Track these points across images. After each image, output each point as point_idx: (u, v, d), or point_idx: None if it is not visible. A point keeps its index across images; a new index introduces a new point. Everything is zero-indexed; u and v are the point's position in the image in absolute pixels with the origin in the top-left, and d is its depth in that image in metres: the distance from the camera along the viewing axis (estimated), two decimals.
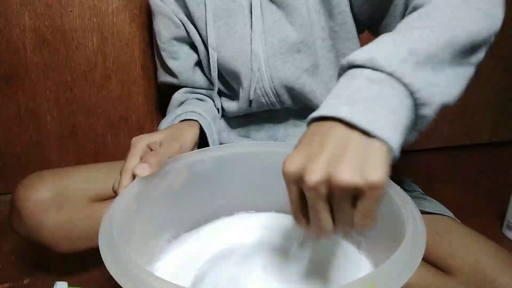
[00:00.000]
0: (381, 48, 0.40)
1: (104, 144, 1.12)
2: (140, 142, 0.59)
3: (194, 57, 0.81)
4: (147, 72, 1.07)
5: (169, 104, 0.83)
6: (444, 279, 0.63)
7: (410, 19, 0.45)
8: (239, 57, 0.74)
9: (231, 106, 0.81)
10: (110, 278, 0.39)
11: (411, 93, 0.39)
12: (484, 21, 0.47)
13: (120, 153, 1.14)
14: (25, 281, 0.84)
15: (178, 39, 0.79)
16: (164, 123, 0.76)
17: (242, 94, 0.76)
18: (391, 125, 0.36)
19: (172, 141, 0.62)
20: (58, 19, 0.99)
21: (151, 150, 0.60)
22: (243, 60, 0.74)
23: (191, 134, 0.69)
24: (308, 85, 0.74)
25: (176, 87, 0.84)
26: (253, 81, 0.74)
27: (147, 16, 1.02)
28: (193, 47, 0.80)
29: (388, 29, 0.64)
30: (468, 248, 0.63)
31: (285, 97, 0.75)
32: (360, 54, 0.40)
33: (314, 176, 0.34)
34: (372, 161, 0.34)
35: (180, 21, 0.77)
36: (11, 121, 1.05)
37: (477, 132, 1.42)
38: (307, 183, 0.35)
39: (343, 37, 0.72)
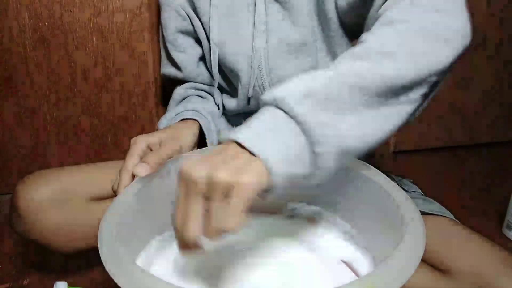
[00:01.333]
0: (287, 87, 0.43)
1: (104, 144, 1.12)
2: (140, 142, 0.59)
3: (198, 51, 0.82)
4: (147, 72, 1.07)
5: (171, 98, 0.84)
6: (443, 280, 0.63)
7: (344, 57, 0.47)
8: (240, 53, 0.74)
9: (230, 103, 0.81)
10: (110, 278, 0.39)
11: (303, 131, 0.41)
12: (413, 62, 0.46)
13: (120, 153, 1.14)
14: (25, 281, 0.84)
15: (184, 32, 0.80)
16: (164, 120, 0.76)
17: (241, 91, 0.77)
18: (275, 153, 0.40)
19: (172, 141, 0.62)
20: (58, 19, 0.99)
21: (151, 150, 0.60)
22: (244, 57, 0.74)
23: (191, 134, 0.69)
24: None
25: (179, 81, 0.84)
26: (252, 78, 0.74)
27: (147, 16, 1.02)
28: (198, 41, 0.81)
29: None
30: (467, 248, 0.63)
31: None
32: (269, 93, 0.44)
33: (198, 172, 0.40)
34: (248, 171, 0.39)
35: (187, 14, 0.78)
36: (11, 121, 1.05)
37: (477, 132, 1.42)
38: (191, 177, 0.40)
39: (338, 42, 0.73)
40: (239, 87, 0.77)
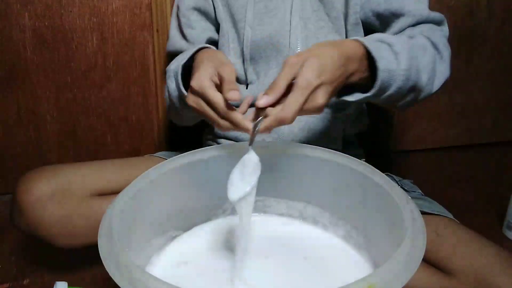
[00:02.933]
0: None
1: (104, 144, 1.12)
2: (207, 82, 0.57)
3: (209, 34, 0.82)
4: (147, 72, 1.07)
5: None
6: (444, 280, 0.63)
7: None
8: (276, 36, 0.77)
9: (250, 89, 0.80)
10: (110, 278, 0.39)
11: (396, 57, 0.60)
12: (432, 79, 0.68)
13: (120, 153, 1.14)
14: (25, 281, 0.84)
15: (200, 11, 0.81)
16: (179, 60, 0.72)
17: (273, 71, 0.78)
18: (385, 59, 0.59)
19: (226, 66, 0.59)
20: (58, 19, 0.99)
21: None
22: (280, 39, 0.77)
23: (224, 55, 0.67)
24: None
25: None
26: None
27: (147, 16, 1.02)
28: (213, 24, 0.82)
29: None
30: (468, 248, 0.63)
31: None
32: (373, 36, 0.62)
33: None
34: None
35: None
36: (11, 121, 1.05)
37: (477, 132, 1.42)
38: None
39: (352, 36, 0.76)
40: (272, 69, 0.78)
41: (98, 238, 0.46)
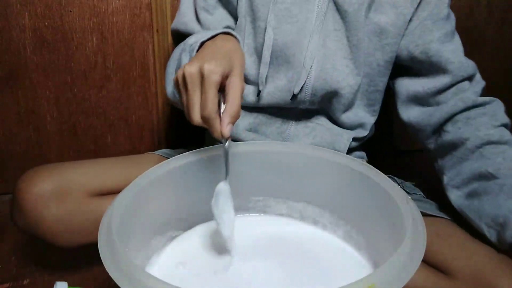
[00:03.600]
0: None
1: (104, 144, 1.12)
2: (218, 77, 0.53)
3: (226, 23, 0.77)
4: (147, 72, 1.07)
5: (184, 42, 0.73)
6: (444, 281, 0.63)
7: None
8: (293, 46, 0.73)
9: (255, 93, 0.78)
10: (110, 278, 0.39)
11: None
12: None
13: (120, 153, 1.14)
14: (25, 281, 0.84)
15: (221, 0, 0.77)
16: (198, 37, 0.67)
17: (283, 83, 0.75)
18: None
19: (237, 81, 0.56)
20: (58, 19, 0.99)
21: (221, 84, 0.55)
22: (296, 51, 0.73)
23: (244, 59, 0.62)
24: (345, 98, 0.75)
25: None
26: (303, 76, 0.73)
27: (147, 16, 1.02)
28: (231, 14, 0.78)
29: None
30: (467, 249, 0.63)
31: (318, 99, 0.76)
32: None
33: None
34: None
35: None
36: (11, 121, 1.05)
37: None
38: None
39: (382, 71, 0.76)
40: (282, 80, 0.75)
41: (98, 238, 0.46)
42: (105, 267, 0.41)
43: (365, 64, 0.75)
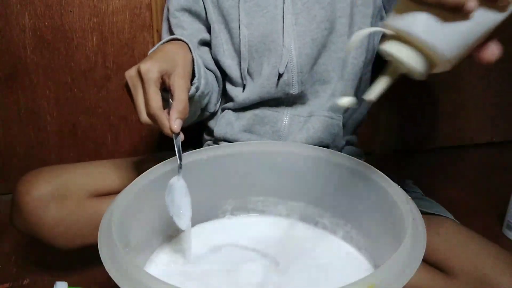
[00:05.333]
0: None
1: (104, 144, 1.12)
2: (155, 74, 0.56)
3: (201, 35, 0.79)
4: None
5: None
6: (444, 280, 0.63)
7: None
8: (270, 34, 0.75)
9: (246, 90, 0.79)
10: (110, 278, 0.39)
11: None
12: None
13: (120, 153, 1.14)
14: (25, 281, 0.84)
15: (191, 12, 0.78)
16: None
17: (268, 71, 0.76)
18: None
19: (181, 79, 0.59)
20: (58, 19, 0.99)
21: (162, 81, 0.58)
22: (273, 38, 0.74)
23: (189, 60, 0.65)
24: (328, 64, 0.76)
25: None
26: (285, 56, 0.74)
27: (147, 16, 1.02)
28: (204, 26, 0.79)
29: None
30: (468, 249, 0.63)
31: (306, 76, 0.76)
32: None
33: None
34: None
35: None
36: (11, 121, 1.05)
37: (477, 132, 1.42)
38: None
39: (362, 11, 0.74)
40: (265, 68, 0.76)
41: (98, 238, 0.46)
42: (105, 267, 0.41)
43: (346, 16, 0.74)
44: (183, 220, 0.56)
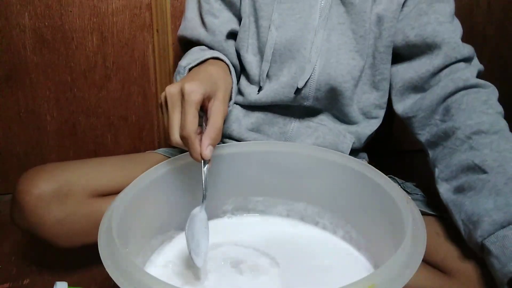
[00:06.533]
0: None
1: (104, 144, 1.12)
2: (198, 96, 0.54)
3: (232, 26, 0.78)
4: (147, 72, 1.07)
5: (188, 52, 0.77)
6: (443, 280, 0.63)
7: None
8: (297, 42, 0.73)
9: (262, 91, 0.78)
10: (110, 278, 0.39)
11: None
12: None
13: (120, 153, 1.13)
14: (25, 281, 0.84)
15: (226, 1, 0.77)
16: (187, 60, 0.70)
17: (287, 79, 0.75)
18: None
19: (220, 105, 0.57)
20: (58, 19, 0.99)
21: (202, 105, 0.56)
22: (300, 47, 0.73)
23: (230, 83, 0.65)
24: (349, 91, 0.75)
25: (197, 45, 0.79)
26: (307, 71, 0.74)
27: (147, 16, 1.02)
28: (236, 15, 0.78)
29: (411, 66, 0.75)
30: (468, 249, 0.63)
31: (323, 94, 0.75)
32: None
33: None
34: None
35: None
36: (11, 121, 1.05)
37: None
38: None
39: (384, 58, 0.75)
40: (285, 75, 0.75)
41: (98, 238, 0.46)
42: (105, 267, 0.41)
43: (368, 54, 0.75)
44: (200, 257, 0.54)
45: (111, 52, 1.03)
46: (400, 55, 0.76)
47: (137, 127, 1.12)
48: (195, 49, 0.77)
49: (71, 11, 0.98)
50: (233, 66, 0.78)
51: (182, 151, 0.65)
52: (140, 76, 1.07)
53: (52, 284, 0.66)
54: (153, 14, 1.02)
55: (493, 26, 1.26)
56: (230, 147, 0.66)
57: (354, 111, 0.78)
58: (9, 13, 0.96)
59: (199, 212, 0.55)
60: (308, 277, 0.55)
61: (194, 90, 0.53)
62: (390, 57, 0.76)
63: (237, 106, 0.80)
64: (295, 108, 0.78)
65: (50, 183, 0.72)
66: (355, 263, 0.58)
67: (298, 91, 0.75)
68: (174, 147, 0.93)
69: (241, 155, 0.65)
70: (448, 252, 0.64)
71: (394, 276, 0.39)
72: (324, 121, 0.79)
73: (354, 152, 0.81)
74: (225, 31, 0.77)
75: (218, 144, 0.81)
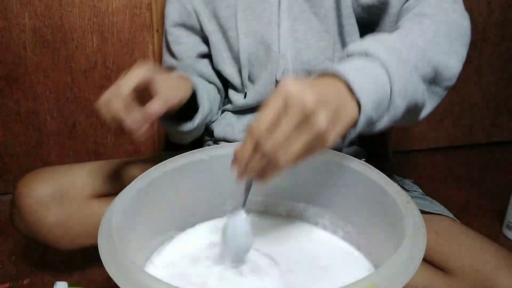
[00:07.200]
0: (375, 43, 0.51)
1: (104, 144, 1.12)
2: (145, 67, 0.59)
3: (199, 48, 0.81)
4: None
5: None
6: (443, 279, 0.63)
7: (398, 32, 0.56)
8: (266, 41, 0.75)
9: (248, 95, 0.79)
10: (110, 278, 0.39)
11: (390, 80, 0.49)
12: (454, 59, 0.57)
13: (120, 153, 1.14)
14: (25, 281, 0.84)
15: (187, 27, 0.80)
16: None
17: (266, 76, 0.76)
18: (368, 95, 0.46)
19: (176, 90, 0.63)
20: (58, 19, 0.99)
21: (150, 82, 0.59)
22: (271, 44, 0.75)
23: (189, 90, 0.68)
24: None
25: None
26: (281, 63, 0.74)
27: (147, 16, 1.02)
28: (201, 38, 0.81)
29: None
30: (468, 248, 0.63)
31: None
32: (357, 46, 0.51)
33: (307, 99, 0.41)
34: (342, 118, 0.44)
35: (194, 10, 0.78)
36: (11, 121, 1.05)
37: (477, 132, 1.42)
38: (298, 100, 0.41)
39: (349, 30, 0.74)
40: (263, 73, 0.77)
41: (98, 238, 0.46)
42: (105, 267, 0.41)
43: (337, 32, 0.75)
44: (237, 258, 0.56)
45: (111, 52, 1.03)
46: (369, 25, 0.74)
47: None
48: None
49: (71, 11, 0.99)
50: (213, 83, 0.82)
51: (181, 153, 0.65)
52: None
53: (52, 284, 0.66)
54: (153, 14, 1.02)
55: (493, 26, 1.26)
56: (230, 147, 0.66)
57: None
58: (9, 13, 0.96)
59: (243, 220, 0.55)
60: (308, 277, 0.55)
61: (139, 66, 0.58)
62: (355, 29, 0.74)
63: (229, 112, 0.82)
64: None
65: (49, 186, 0.73)
66: (355, 263, 0.58)
67: (277, 84, 0.75)
68: (174, 150, 0.94)
69: None
70: (448, 251, 0.64)
71: (394, 276, 0.39)
72: None
73: (355, 152, 0.81)
74: (193, 55, 0.80)
75: (217, 144, 0.82)
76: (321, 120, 0.41)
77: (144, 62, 0.58)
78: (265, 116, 0.43)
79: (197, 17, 0.78)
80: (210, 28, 0.78)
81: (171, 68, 0.84)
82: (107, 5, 1.00)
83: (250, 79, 0.79)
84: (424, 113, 0.57)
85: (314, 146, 0.43)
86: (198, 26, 0.79)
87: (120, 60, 1.05)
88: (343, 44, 0.76)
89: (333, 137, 0.43)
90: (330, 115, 0.42)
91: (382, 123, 0.51)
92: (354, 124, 0.47)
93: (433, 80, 0.55)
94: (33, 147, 1.09)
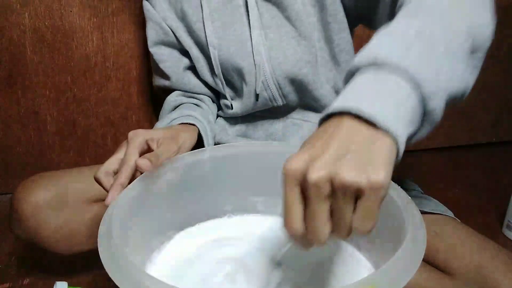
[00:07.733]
0: (381, 47, 0.40)
1: (104, 144, 1.12)
2: (139, 137, 0.58)
3: (184, 61, 0.81)
4: (147, 72, 1.07)
5: (162, 109, 0.83)
6: (444, 280, 0.63)
7: (407, 11, 0.46)
8: (240, 53, 0.74)
9: (234, 106, 0.80)
10: (110, 278, 0.39)
11: (414, 87, 0.38)
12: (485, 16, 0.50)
13: None
14: (25, 281, 0.84)
15: (166, 44, 0.80)
16: (159, 126, 0.75)
17: (247, 89, 0.76)
18: (395, 119, 0.36)
19: (171, 142, 0.62)
20: (58, 19, 0.99)
21: (149, 147, 0.60)
22: (245, 56, 0.74)
23: (189, 137, 0.69)
24: (310, 75, 0.74)
25: (170, 90, 0.84)
26: (258, 75, 0.74)
27: None
28: (183, 52, 0.81)
29: (380, 24, 0.56)
30: (468, 248, 0.63)
31: (288, 89, 0.75)
32: (362, 56, 0.40)
33: (317, 172, 0.34)
34: (376, 159, 0.34)
35: (170, 27, 0.78)
36: (11, 121, 1.05)
37: (477, 132, 1.42)
38: (309, 179, 0.34)
39: (336, 28, 0.72)
40: (244, 86, 0.76)
41: (98, 239, 0.46)
42: (105, 267, 0.41)
43: (317, 30, 0.73)
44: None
45: (111, 52, 1.03)
46: (363, 18, 0.72)
47: (137, 127, 1.11)
48: (166, 102, 0.82)
49: (71, 11, 0.99)
50: (205, 94, 0.83)
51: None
52: (140, 76, 1.07)
53: (52, 284, 0.66)
54: None
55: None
56: (230, 147, 0.66)
57: (327, 92, 0.76)
58: (9, 13, 0.96)
59: None
60: (308, 277, 0.55)
61: (137, 133, 0.59)
62: (344, 25, 0.72)
63: (221, 118, 0.83)
64: (272, 110, 0.78)
65: (47, 191, 0.73)
66: (356, 263, 0.58)
67: (258, 96, 0.76)
68: None
69: (241, 155, 0.65)
70: (448, 251, 0.64)
71: (394, 276, 0.39)
72: (306, 116, 0.78)
73: None
74: (178, 70, 0.81)
75: (216, 145, 0.82)
76: (348, 176, 0.33)
77: (135, 134, 0.60)
78: (294, 214, 0.39)
79: (174, 33, 0.78)
80: (188, 43, 0.78)
81: (164, 89, 0.84)
82: (107, 5, 1.00)
83: (234, 89, 0.79)
84: (469, 91, 0.50)
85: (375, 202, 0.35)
86: (176, 42, 0.79)
87: (120, 60, 1.05)
88: (329, 42, 0.74)
89: (384, 185, 0.34)
90: (356, 165, 0.33)
91: (424, 131, 0.44)
92: (396, 153, 0.38)
93: (470, 50, 0.47)
94: (33, 147, 1.09)
